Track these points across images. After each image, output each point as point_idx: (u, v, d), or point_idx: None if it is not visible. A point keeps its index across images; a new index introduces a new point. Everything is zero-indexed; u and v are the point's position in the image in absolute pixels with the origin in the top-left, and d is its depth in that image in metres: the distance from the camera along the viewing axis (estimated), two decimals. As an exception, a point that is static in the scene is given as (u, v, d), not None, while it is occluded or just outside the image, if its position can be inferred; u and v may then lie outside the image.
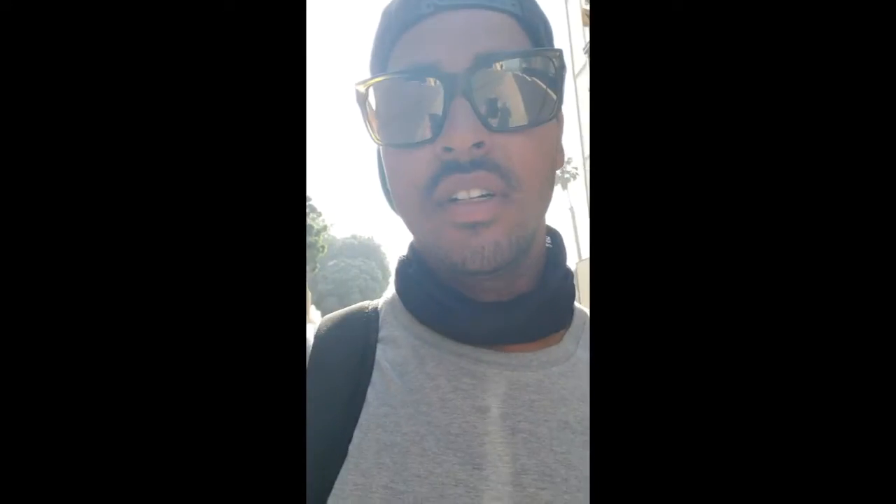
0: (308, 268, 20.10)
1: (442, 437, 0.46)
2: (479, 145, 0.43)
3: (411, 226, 0.49)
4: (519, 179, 0.45)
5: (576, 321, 0.56)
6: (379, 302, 0.59)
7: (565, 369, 0.50)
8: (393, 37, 0.49)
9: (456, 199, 0.44)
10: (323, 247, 21.98)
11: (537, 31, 0.49)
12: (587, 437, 0.47)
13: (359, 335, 0.53)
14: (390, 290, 0.60)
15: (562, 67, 0.46)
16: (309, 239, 20.08)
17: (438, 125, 0.44)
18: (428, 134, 0.44)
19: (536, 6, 0.50)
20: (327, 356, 0.51)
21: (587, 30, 13.37)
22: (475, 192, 0.44)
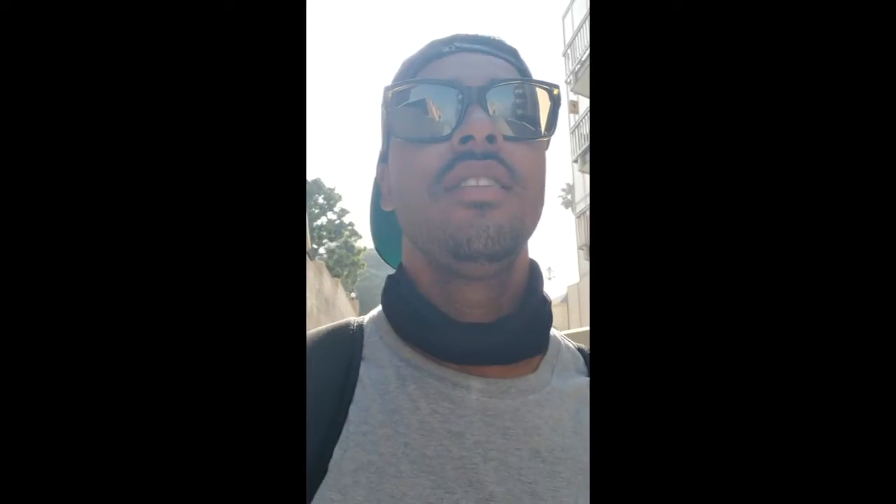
0: (349, 281, 21.67)
1: (417, 459, 0.46)
2: (491, 139, 0.48)
3: (417, 215, 0.50)
4: (522, 178, 0.49)
5: (551, 348, 0.57)
6: (364, 318, 0.59)
7: (540, 398, 0.51)
8: (417, 68, 0.55)
9: (465, 184, 0.48)
10: (363, 264, 23.44)
11: (529, 77, 0.56)
12: (556, 468, 0.48)
13: (343, 352, 0.54)
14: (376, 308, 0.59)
15: (558, 99, 0.53)
16: (352, 258, 21.64)
17: (455, 124, 0.48)
18: (446, 131, 0.49)
19: (527, 67, 0.58)
20: (312, 372, 0.50)
21: (573, 116, 14.63)
22: (483, 181, 0.47)
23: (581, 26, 14.00)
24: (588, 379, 0.56)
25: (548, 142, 0.55)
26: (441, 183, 0.48)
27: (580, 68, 13.84)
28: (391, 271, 0.60)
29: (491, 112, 0.49)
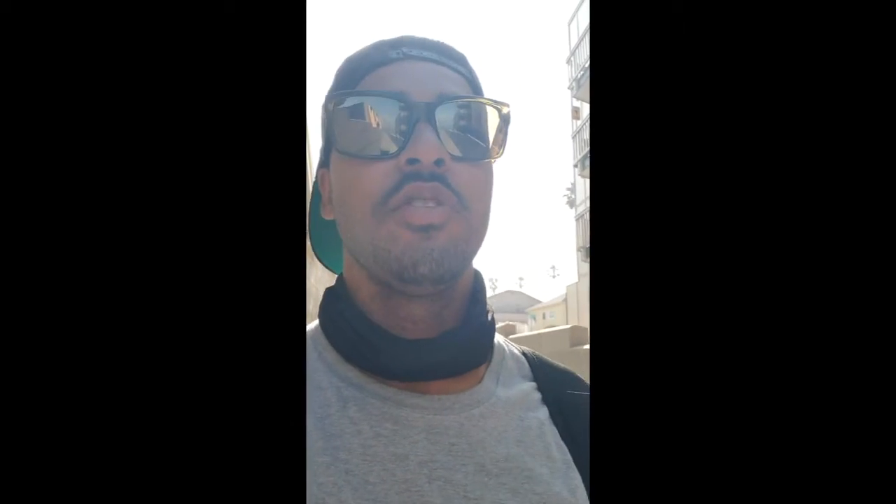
0: None
1: (360, 486, 0.44)
2: (439, 162, 0.46)
3: (361, 234, 0.48)
4: (468, 201, 0.47)
5: (495, 357, 0.56)
6: None
7: (485, 410, 0.50)
8: (361, 74, 0.52)
9: (412, 204, 0.46)
10: None
11: (479, 91, 0.55)
12: (502, 479, 0.47)
13: None
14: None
15: (508, 117, 0.51)
16: None
17: (403, 142, 0.46)
18: (392, 148, 0.47)
19: (476, 75, 0.56)
20: None
21: (575, 122, 14.95)
22: (430, 204, 0.46)
23: (585, 33, 14.34)
24: (532, 384, 0.55)
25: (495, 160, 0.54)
26: (387, 204, 0.47)
27: (582, 75, 14.20)
28: None
29: (439, 130, 0.47)
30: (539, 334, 4.14)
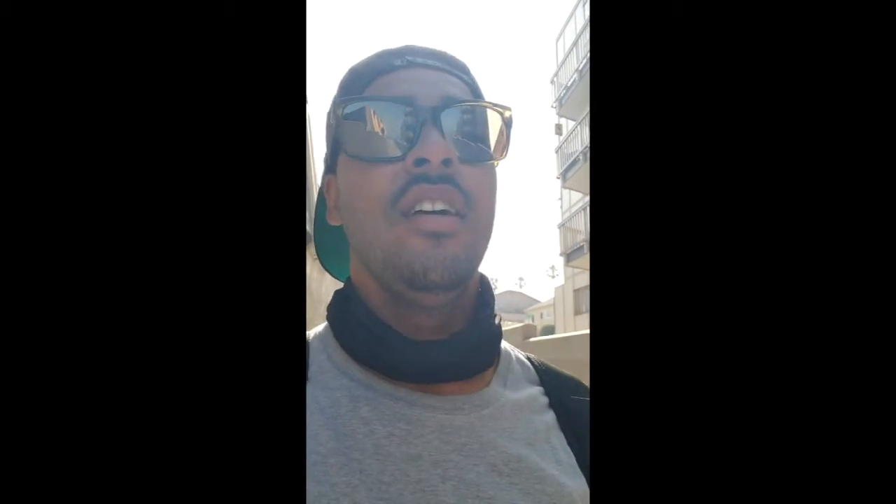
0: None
1: (374, 486, 0.43)
2: (447, 162, 0.46)
3: (371, 239, 0.48)
4: (475, 203, 0.48)
5: (502, 362, 0.56)
6: (309, 334, 0.55)
7: (494, 411, 0.50)
8: (366, 81, 0.52)
9: (421, 210, 0.46)
10: None
11: (479, 96, 0.56)
12: (513, 479, 0.47)
13: None
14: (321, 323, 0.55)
15: (510, 121, 0.51)
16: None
17: (409, 145, 0.47)
18: (398, 151, 0.47)
19: (478, 84, 0.57)
20: None
21: (558, 137, 15.44)
22: (439, 205, 0.46)
23: (569, 53, 15.35)
24: (539, 388, 0.56)
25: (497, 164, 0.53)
26: (396, 207, 0.47)
27: (565, 94, 15.22)
28: None
29: (445, 133, 0.47)
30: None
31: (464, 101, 0.50)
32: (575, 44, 14.66)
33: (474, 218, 0.48)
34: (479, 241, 0.50)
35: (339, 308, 0.53)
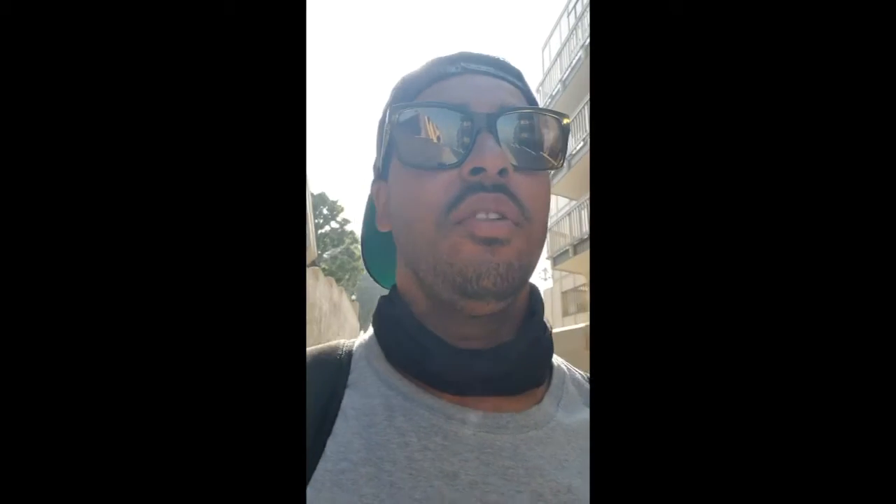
0: (350, 284, 23.45)
1: (404, 502, 0.41)
2: (503, 172, 0.45)
3: (423, 246, 0.47)
4: (530, 212, 0.47)
5: (555, 380, 0.53)
6: (354, 342, 0.54)
7: (543, 435, 0.47)
8: (419, 87, 0.52)
9: (475, 217, 0.45)
10: (363, 269, 24.61)
11: (533, 102, 0.55)
12: None
13: (327, 379, 0.49)
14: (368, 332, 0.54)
15: (567, 129, 0.50)
16: (353, 263, 23.38)
17: (465, 152, 0.46)
18: (454, 159, 0.46)
19: (531, 91, 0.56)
20: None
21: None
22: (493, 215, 0.45)
23: (554, 63, 15.78)
24: None
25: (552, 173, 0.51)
26: (451, 216, 0.46)
27: (550, 102, 15.67)
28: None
29: (500, 140, 0.46)
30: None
31: (520, 108, 0.49)
32: (559, 54, 14.92)
33: (529, 226, 0.47)
34: (533, 249, 0.48)
35: (384, 315, 0.52)
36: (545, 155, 0.49)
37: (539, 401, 0.50)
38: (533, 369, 0.49)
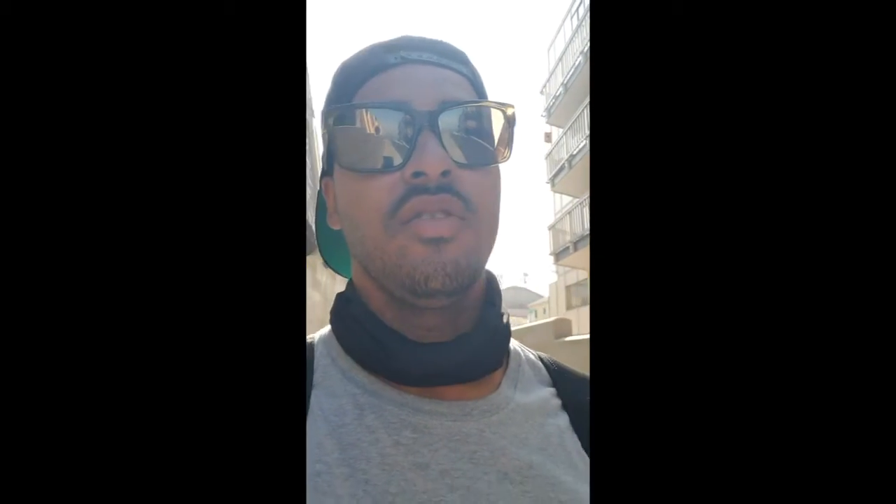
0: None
1: (380, 497, 0.42)
2: (446, 173, 0.44)
3: (371, 249, 0.46)
4: (476, 207, 0.46)
5: (512, 363, 0.53)
6: (315, 337, 0.53)
7: (504, 417, 0.48)
8: (358, 81, 0.49)
9: (420, 217, 0.44)
10: None
11: (482, 91, 0.53)
12: (525, 487, 0.45)
13: None
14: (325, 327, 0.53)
15: (513, 119, 0.48)
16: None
17: (407, 154, 0.44)
18: (396, 161, 0.45)
19: (478, 74, 0.53)
20: None
21: (547, 145, 15.81)
22: (439, 214, 0.44)
23: (557, 63, 16.15)
24: (552, 389, 0.54)
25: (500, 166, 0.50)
26: (395, 217, 0.45)
27: (554, 103, 16.08)
28: None
29: (443, 137, 0.45)
30: (528, 328, 4.01)
31: (463, 103, 0.47)
32: (562, 55, 15.04)
33: (476, 220, 0.46)
34: (482, 243, 0.47)
35: (342, 311, 0.51)
36: (490, 147, 0.48)
37: (498, 385, 0.51)
38: (492, 356, 0.50)
